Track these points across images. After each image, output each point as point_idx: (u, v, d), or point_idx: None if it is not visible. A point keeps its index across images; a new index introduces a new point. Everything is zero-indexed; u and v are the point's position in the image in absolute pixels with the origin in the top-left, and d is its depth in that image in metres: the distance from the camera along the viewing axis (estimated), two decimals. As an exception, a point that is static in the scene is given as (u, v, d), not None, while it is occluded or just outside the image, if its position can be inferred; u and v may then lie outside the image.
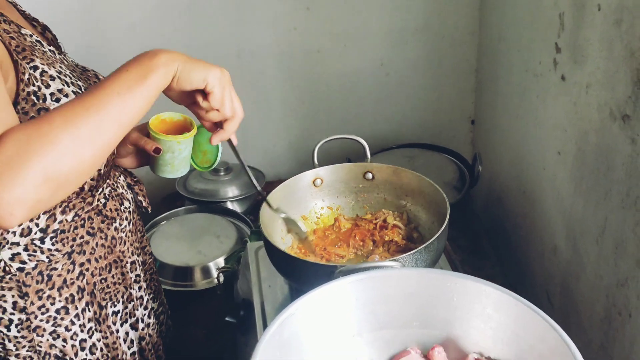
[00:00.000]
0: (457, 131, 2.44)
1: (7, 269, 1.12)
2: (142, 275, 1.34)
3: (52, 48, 1.17)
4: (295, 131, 2.38)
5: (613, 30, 1.38)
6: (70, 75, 1.13)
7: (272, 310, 1.28)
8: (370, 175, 1.40)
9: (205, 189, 2.20)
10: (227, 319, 1.31)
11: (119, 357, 1.27)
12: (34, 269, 1.13)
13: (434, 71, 2.33)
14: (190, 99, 1.10)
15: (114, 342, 1.26)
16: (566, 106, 1.63)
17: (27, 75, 1.04)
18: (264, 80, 2.28)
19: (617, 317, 1.46)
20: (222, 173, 2.23)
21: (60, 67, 1.12)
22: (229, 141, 1.18)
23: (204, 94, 1.08)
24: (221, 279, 1.48)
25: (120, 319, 1.28)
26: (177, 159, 1.21)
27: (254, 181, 1.26)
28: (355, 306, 1.07)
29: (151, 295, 1.38)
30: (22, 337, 1.16)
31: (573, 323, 1.68)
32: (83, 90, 1.12)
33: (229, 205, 2.20)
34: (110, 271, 1.24)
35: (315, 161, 1.40)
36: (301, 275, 1.20)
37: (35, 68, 1.06)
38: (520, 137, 1.96)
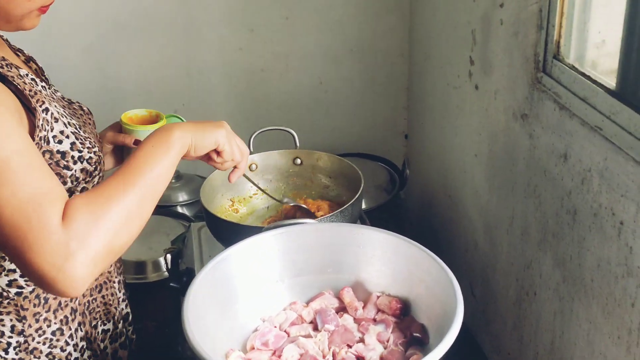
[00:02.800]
0: (391, 145, 2.57)
1: (4, 294, 1.16)
2: (127, 294, 1.41)
3: (43, 84, 1.19)
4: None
5: (512, 41, 1.55)
6: (64, 114, 1.17)
7: (211, 275, 1.46)
8: (298, 161, 1.60)
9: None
10: (171, 284, 1.47)
11: None
12: (31, 292, 1.17)
13: (368, 89, 2.48)
14: (206, 156, 1.21)
15: None
16: (479, 112, 1.78)
17: (41, 121, 1.08)
18: (211, 97, 2.41)
19: (525, 298, 1.61)
20: (172, 180, 2.39)
21: (56, 105, 1.16)
22: (244, 175, 1.32)
23: (216, 151, 1.19)
24: (168, 257, 1.64)
25: (110, 337, 1.33)
26: None
27: (271, 196, 1.44)
28: (278, 256, 1.26)
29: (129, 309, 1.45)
30: (20, 359, 1.19)
31: (491, 310, 1.82)
32: (79, 128, 1.17)
33: (179, 209, 2.37)
34: (100, 291, 1.30)
35: (251, 149, 1.60)
36: (234, 238, 1.37)
37: (46, 111, 1.10)
38: (445, 145, 2.09)
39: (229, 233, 1.40)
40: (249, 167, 1.60)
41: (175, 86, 2.38)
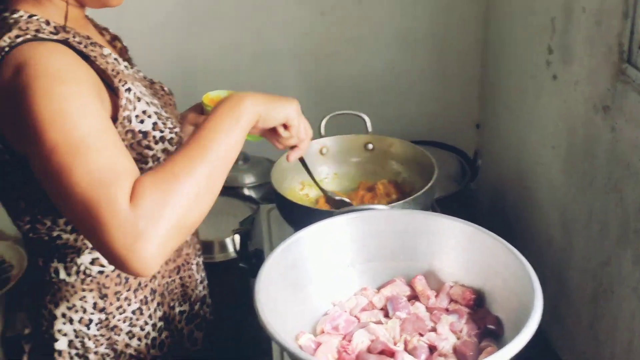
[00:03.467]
0: (463, 134, 2.51)
1: (87, 271, 1.19)
2: (204, 275, 1.41)
3: (126, 63, 1.20)
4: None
5: (595, 30, 1.50)
6: (146, 93, 1.17)
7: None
8: (370, 146, 1.58)
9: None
10: (240, 264, 1.48)
11: (183, 354, 1.34)
12: (112, 271, 1.20)
13: (440, 77, 2.42)
14: (271, 130, 1.20)
15: (180, 341, 1.33)
16: (558, 103, 1.72)
17: (124, 101, 1.08)
18: (279, 82, 2.38)
19: (602, 296, 1.55)
20: (240, 162, 2.40)
21: (138, 85, 1.16)
22: (301, 158, 1.30)
23: (284, 125, 1.18)
24: (236, 238, 1.64)
25: (186, 318, 1.35)
26: None
27: (330, 194, 1.43)
28: (350, 240, 1.25)
29: (207, 291, 1.45)
30: (101, 335, 1.22)
31: (564, 307, 1.77)
32: (160, 108, 1.17)
33: (246, 192, 2.38)
34: (178, 273, 1.31)
35: (322, 132, 1.58)
36: (306, 222, 1.36)
37: (129, 90, 1.10)
38: (520, 136, 2.03)
39: (300, 216, 1.39)
40: (320, 151, 1.59)
41: (244, 69, 2.36)
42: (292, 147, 1.25)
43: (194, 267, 1.36)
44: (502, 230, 2.17)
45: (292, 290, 1.16)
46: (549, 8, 1.74)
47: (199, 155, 0.97)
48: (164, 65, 2.32)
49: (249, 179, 2.38)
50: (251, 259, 1.49)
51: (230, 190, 2.35)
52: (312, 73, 2.39)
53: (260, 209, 1.64)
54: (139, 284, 1.23)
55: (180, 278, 1.32)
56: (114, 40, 1.27)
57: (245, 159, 2.40)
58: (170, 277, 1.30)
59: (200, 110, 1.35)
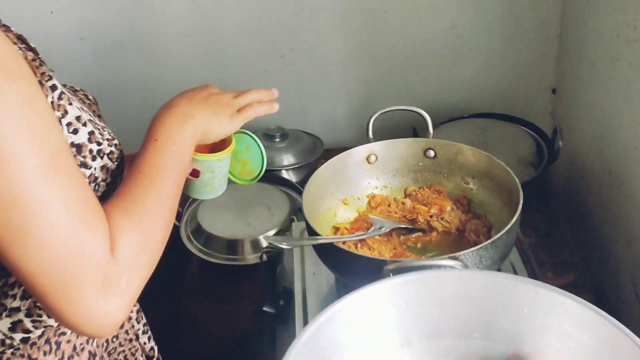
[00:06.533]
0: (536, 101, 2.22)
1: (7, 341, 0.92)
2: (146, 321, 1.17)
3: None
4: (356, 96, 2.22)
5: None
6: (74, 98, 0.92)
7: (314, 302, 1.14)
8: (432, 153, 1.22)
9: (259, 158, 2.06)
10: (264, 308, 1.17)
11: None
12: (40, 337, 0.94)
13: (511, 35, 2.12)
14: None
15: None
16: None
17: (50, 99, 0.83)
18: (323, 41, 2.12)
19: None
20: (277, 139, 2.08)
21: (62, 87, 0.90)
22: None
23: None
24: (264, 259, 1.34)
25: None
26: (217, 178, 1.05)
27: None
28: (405, 310, 0.92)
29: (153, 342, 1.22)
30: None
31: None
32: (93, 116, 0.93)
33: (284, 174, 2.07)
34: (122, 326, 1.09)
35: (370, 135, 1.24)
36: (346, 268, 1.06)
37: (54, 88, 0.84)
38: (608, 110, 1.76)
39: (336, 261, 1.07)
40: (367, 159, 1.24)
41: (282, 27, 2.10)
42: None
43: (133, 315, 1.12)
44: (579, 218, 1.95)
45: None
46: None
47: (158, 182, 0.88)
48: (186, 22, 2.02)
49: (287, 160, 2.08)
50: (279, 299, 1.18)
51: (265, 173, 2.04)
52: (358, 33, 2.11)
53: (293, 228, 1.31)
54: (74, 348, 0.98)
55: (126, 332, 1.10)
56: (18, 39, 0.88)
57: (282, 135, 2.09)
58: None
59: None
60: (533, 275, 1.16)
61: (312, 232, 1.09)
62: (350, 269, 1.03)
